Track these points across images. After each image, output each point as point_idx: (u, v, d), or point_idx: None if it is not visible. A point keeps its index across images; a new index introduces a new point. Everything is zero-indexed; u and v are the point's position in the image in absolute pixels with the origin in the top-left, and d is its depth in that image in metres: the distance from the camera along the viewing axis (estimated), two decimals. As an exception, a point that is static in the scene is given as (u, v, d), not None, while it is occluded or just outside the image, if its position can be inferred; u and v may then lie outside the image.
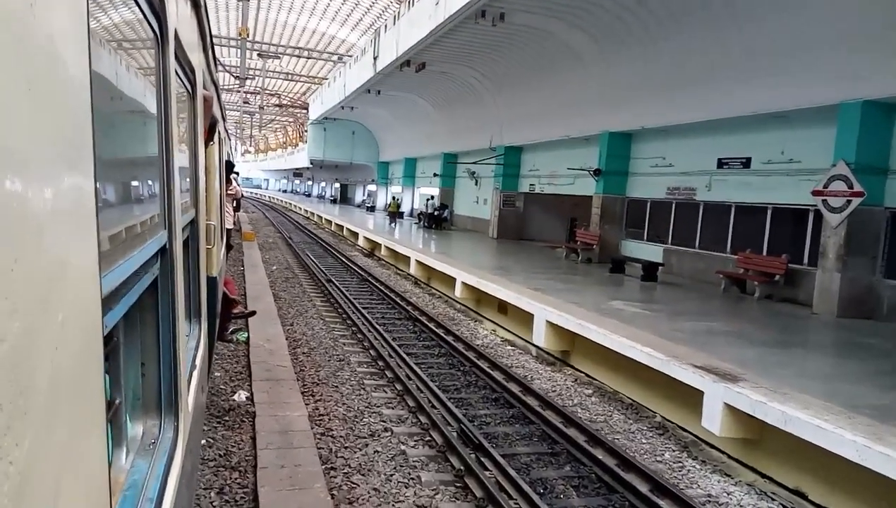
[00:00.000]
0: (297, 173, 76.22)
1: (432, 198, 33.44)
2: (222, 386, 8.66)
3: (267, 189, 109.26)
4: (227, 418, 7.53)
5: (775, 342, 9.59)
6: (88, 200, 1.01)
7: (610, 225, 19.38)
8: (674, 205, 17.49)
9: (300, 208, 55.01)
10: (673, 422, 7.97)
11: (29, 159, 0.76)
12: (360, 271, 20.42)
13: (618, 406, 8.67)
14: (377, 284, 17.97)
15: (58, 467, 0.86)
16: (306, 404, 8.02)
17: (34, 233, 0.78)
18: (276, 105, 58.23)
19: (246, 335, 11.57)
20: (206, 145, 4.44)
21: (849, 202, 11.29)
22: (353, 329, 12.52)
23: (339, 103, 37.86)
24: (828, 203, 11.70)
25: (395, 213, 37.22)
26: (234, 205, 14.00)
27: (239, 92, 54.97)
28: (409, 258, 19.51)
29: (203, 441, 6.76)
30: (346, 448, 6.90)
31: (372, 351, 10.89)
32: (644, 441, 7.50)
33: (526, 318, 11.70)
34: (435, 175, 35.35)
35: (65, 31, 0.90)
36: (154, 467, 1.82)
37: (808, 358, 8.65)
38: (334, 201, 65.68)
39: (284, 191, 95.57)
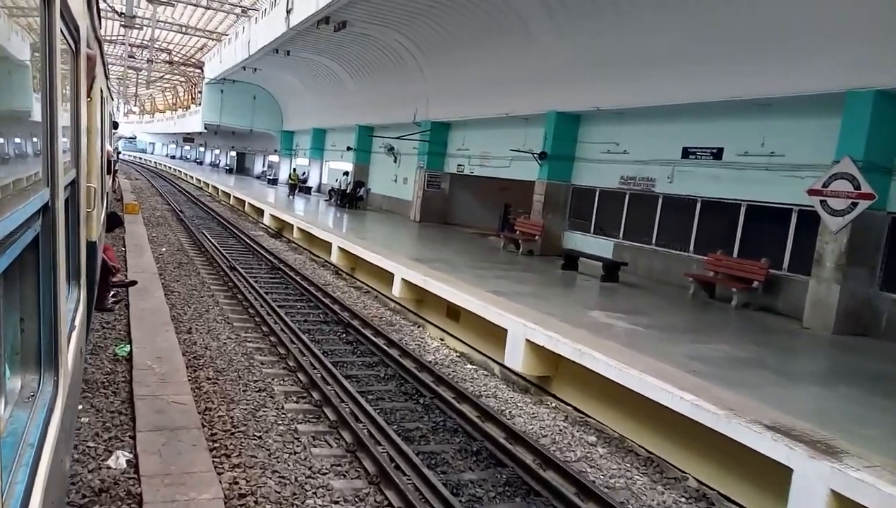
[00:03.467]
0: (188, 138, 69.97)
1: (347, 173, 30.60)
2: (91, 443, 5.96)
3: (153, 154, 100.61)
4: (96, 508, 4.93)
5: (809, 375, 8.11)
6: None
7: (553, 214, 17.65)
8: (627, 197, 15.96)
9: (191, 177, 50.09)
10: (713, 489, 6.16)
11: None
12: (268, 256, 17.58)
13: (634, 461, 6.77)
14: (292, 274, 15.29)
15: None
16: (219, 472, 5.54)
17: None
18: (167, 62, 52.54)
19: (127, 348, 8.75)
20: (87, 104, 4.05)
21: (854, 205, 9.99)
22: (272, 339, 9.94)
23: (241, 62, 33.96)
24: (827, 204, 10.37)
25: (294, 186, 34.36)
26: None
27: (124, 44, 48.99)
28: (328, 243, 16.90)
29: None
30: (288, 563, 4.53)
31: (301, 375, 8.41)
32: (690, 522, 5.63)
33: (487, 330, 9.63)
34: (348, 148, 32.46)
35: None
36: (34, 417, 1.87)
37: (869, 404, 6.94)
38: (230, 171, 60.73)
39: (173, 157, 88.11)
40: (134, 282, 11.37)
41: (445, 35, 20.94)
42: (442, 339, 11.14)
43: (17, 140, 1.72)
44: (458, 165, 23.96)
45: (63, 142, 2.37)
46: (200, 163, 75.33)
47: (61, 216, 2.20)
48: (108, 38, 48.57)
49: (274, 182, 44.17)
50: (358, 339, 10.46)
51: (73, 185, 3.06)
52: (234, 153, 62.64)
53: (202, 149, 76.37)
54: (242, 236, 21.13)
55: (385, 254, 13.79)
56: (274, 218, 23.14)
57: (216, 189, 38.19)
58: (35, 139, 1.91)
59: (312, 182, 38.99)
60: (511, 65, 18.92)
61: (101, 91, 6.83)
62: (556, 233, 17.72)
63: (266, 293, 12.99)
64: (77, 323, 3.14)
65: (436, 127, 24.54)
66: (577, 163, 17.64)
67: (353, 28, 22.87)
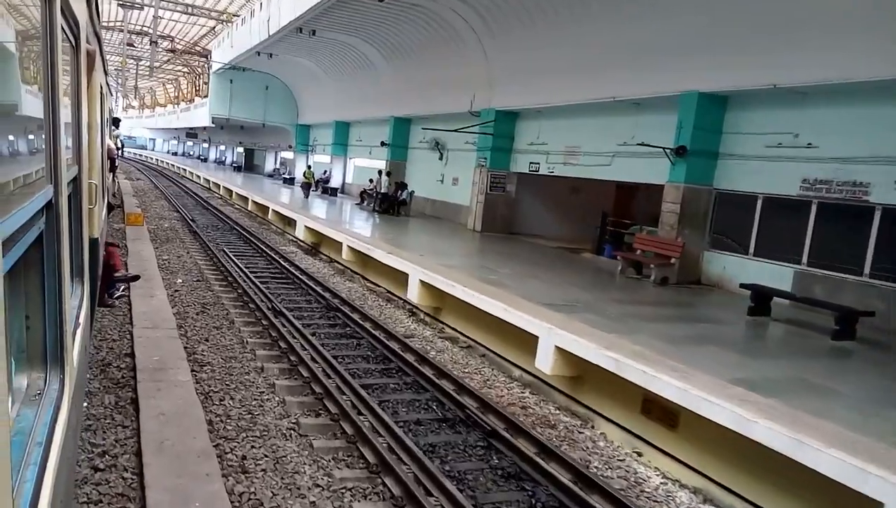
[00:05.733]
0: (192, 134, 65.65)
1: (389, 173, 26.14)
2: None
3: (153, 150, 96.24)
4: None
5: None
6: None
7: (691, 229, 13.38)
8: (815, 207, 11.68)
9: (197, 176, 45.77)
10: None
11: None
12: (315, 287, 13.34)
13: None
14: (356, 318, 11.07)
15: None
16: None
17: None
18: (169, 50, 48.17)
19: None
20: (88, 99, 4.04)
21: None
22: (388, 486, 5.69)
23: (258, 45, 29.57)
24: None
25: (309, 185, 30.23)
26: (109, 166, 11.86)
27: (122, 31, 44.63)
28: (399, 272, 12.66)
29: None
30: None
31: None
32: None
33: (762, 461, 5.42)
34: (382, 144, 28.17)
35: None
36: (41, 416, 1.85)
37: None
38: (238, 169, 56.27)
39: (175, 154, 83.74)
40: (137, 277, 10.30)
41: (523, 2, 16.65)
42: (639, 454, 6.91)
43: (21, 137, 1.69)
44: (531, 163, 19.65)
45: (65, 138, 2.32)
46: (205, 160, 70.94)
47: (65, 213, 2.20)
48: (104, 23, 44.22)
49: (290, 181, 39.81)
50: (521, 471, 6.19)
51: (75, 182, 3.02)
52: (241, 149, 58.23)
53: (206, 145, 71.99)
54: (273, 255, 16.90)
55: (500, 295, 9.52)
56: (310, 231, 18.83)
57: (229, 191, 33.86)
58: (37, 136, 1.88)
59: (336, 182, 34.65)
60: (620, 36, 14.65)
61: (101, 86, 6.74)
62: (694, 254, 13.46)
63: (336, 358, 8.81)
64: (81, 320, 3.11)
65: (501, 117, 20.23)
66: (722, 160, 13.36)
67: (403, -5, 18.61)
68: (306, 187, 30.57)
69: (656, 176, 14.24)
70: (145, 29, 45.69)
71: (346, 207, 26.51)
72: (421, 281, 11.50)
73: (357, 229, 18.00)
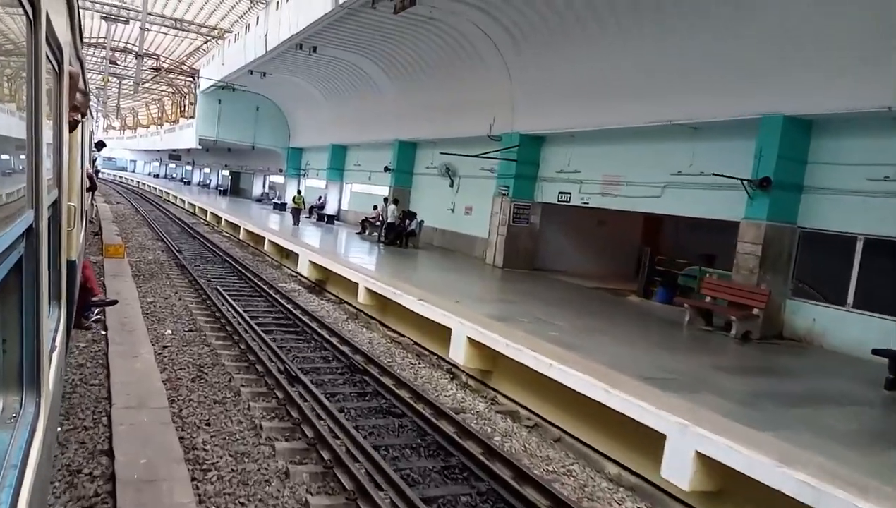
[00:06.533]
0: (175, 156, 63.24)
1: (394, 201, 23.93)
2: None
3: (133, 172, 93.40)
4: None
5: None
6: None
7: (773, 274, 11.48)
8: (936, 253, 9.87)
9: (181, 200, 43.30)
10: None
11: None
12: (329, 338, 11.17)
13: None
14: (386, 381, 8.94)
15: None
16: None
17: None
18: (154, 69, 46.00)
19: None
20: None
21: None
22: None
23: (253, 62, 27.54)
24: None
25: (299, 211, 27.84)
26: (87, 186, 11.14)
27: (104, 48, 42.45)
28: (434, 324, 10.55)
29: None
30: None
31: None
32: None
33: None
34: (386, 169, 26.18)
35: None
36: (16, 439, 1.81)
37: None
38: (223, 193, 53.80)
39: (157, 176, 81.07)
40: (114, 302, 10.23)
41: (557, 13, 14.89)
42: None
43: (2, 161, 1.68)
44: (561, 193, 17.74)
45: (47, 163, 2.28)
46: (188, 183, 68.39)
47: (45, 237, 2.18)
48: (87, 39, 42.01)
49: (281, 207, 37.55)
50: None
51: (56, 205, 3.00)
52: (226, 172, 55.82)
53: (189, 167, 69.51)
54: (273, 295, 14.70)
55: (582, 365, 7.46)
56: (316, 266, 16.65)
57: (217, 217, 31.52)
58: (20, 160, 1.87)
59: (331, 208, 32.43)
60: (678, 51, 12.88)
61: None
62: (775, 304, 11.53)
63: (378, 449, 6.71)
64: (58, 342, 3.09)
65: (524, 142, 18.36)
66: (806, 195, 11.53)
67: (420, 7, 16.76)
68: (296, 213, 28.34)
69: (722, 210, 12.41)
70: (129, 46, 43.57)
71: (345, 237, 24.36)
72: (469, 338, 9.39)
73: (367, 265, 15.85)
